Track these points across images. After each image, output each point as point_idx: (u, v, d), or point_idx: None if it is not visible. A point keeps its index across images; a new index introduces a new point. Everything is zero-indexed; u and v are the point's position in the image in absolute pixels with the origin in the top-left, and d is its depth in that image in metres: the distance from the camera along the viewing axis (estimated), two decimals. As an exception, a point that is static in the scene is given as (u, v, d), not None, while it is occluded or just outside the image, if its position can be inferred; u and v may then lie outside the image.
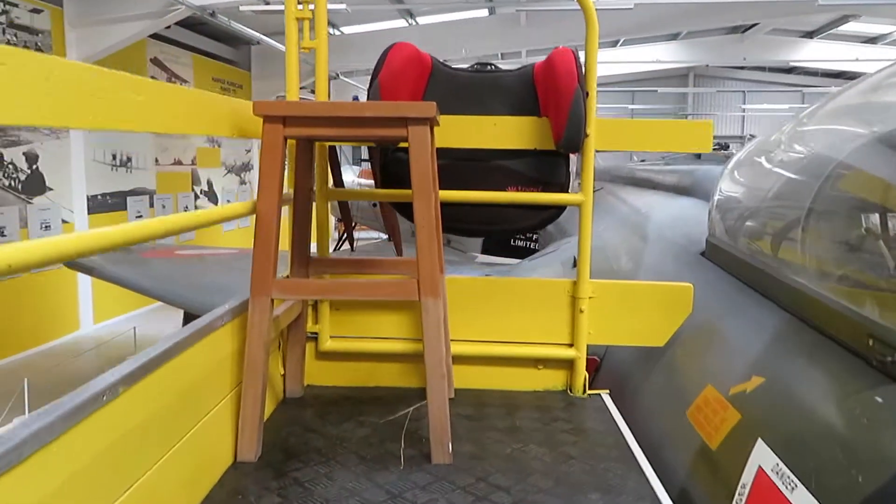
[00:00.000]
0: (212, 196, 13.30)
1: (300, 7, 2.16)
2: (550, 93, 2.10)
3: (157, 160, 11.32)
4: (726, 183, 2.61)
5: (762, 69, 26.61)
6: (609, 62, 19.67)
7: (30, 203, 8.34)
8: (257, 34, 12.04)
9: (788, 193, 2.00)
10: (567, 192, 2.24)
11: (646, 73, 24.68)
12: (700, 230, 3.06)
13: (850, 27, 19.56)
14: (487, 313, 2.27)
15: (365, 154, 14.10)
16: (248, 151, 15.01)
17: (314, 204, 2.21)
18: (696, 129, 2.18)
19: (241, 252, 6.04)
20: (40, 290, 8.41)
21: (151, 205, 11.10)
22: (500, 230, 2.27)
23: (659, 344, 2.21)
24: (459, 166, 2.21)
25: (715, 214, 2.60)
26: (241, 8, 9.80)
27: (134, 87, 1.29)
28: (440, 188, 2.06)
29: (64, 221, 8.92)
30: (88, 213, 9.43)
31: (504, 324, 2.27)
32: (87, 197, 9.44)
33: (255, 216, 1.74)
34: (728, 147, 20.75)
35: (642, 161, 19.51)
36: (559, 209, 2.25)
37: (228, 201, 14.01)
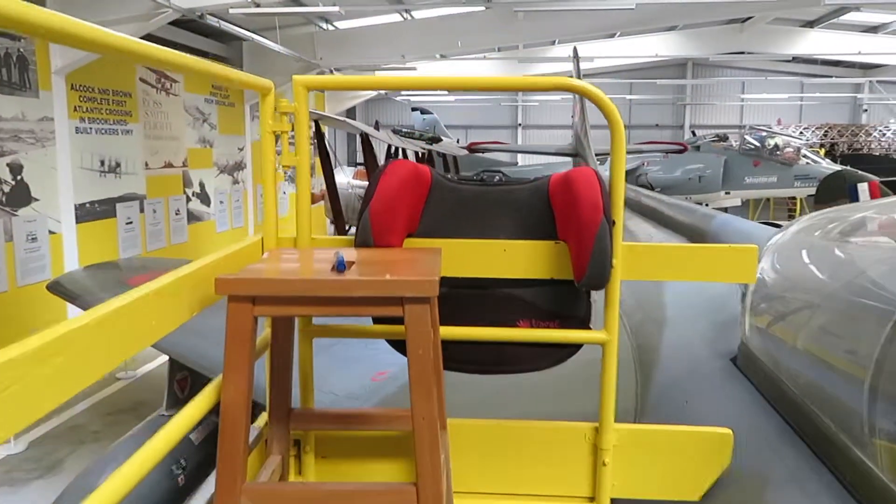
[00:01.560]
0: (204, 198, 13.06)
1: (278, 118, 1.89)
2: (571, 220, 1.84)
3: (146, 164, 11.07)
4: (767, 272, 2.20)
5: (760, 54, 26.33)
6: (606, 56, 19.36)
7: (15, 215, 8.12)
8: (248, 33, 11.76)
9: (870, 310, 1.58)
10: (588, 326, 1.95)
11: (644, 63, 24.38)
12: (726, 313, 2.66)
13: (852, 17, 19.31)
14: (495, 461, 2.00)
15: (360, 157, 13.93)
16: (241, 150, 14.76)
17: (296, 345, 1.93)
18: (738, 256, 1.88)
19: (232, 274, 5.82)
20: (27, 306, 8.21)
21: (142, 210, 10.87)
22: (508, 371, 1.99)
23: (693, 499, 1.94)
24: (461, 295, 1.94)
25: (751, 314, 2.21)
26: (231, 11, 9.52)
27: (43, 355, 1.03)
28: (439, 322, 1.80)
29: (51, 232, 8.71)
30: (76, 223, 9.21)
31: (514, 474, 2.00)
32: (75, 206, 9.21)
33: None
34: (727, 139, 20.51)
35: (638, 152, 19.06)
36: (577, 348, 1.97)
37: (221, 202, 13.78)
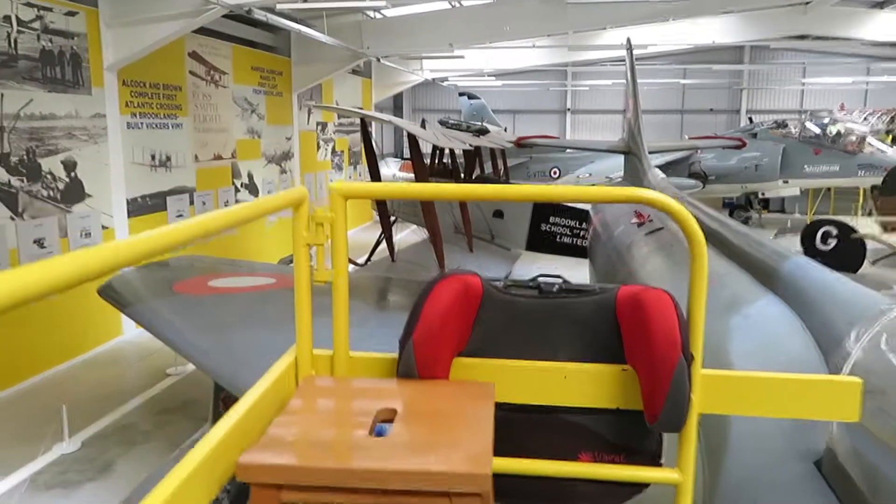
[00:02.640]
0: (252, 188, 13.17)
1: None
2: (642, 349, 1.64)
3: (196, 156, 11.19)
4: (865, 358, 1.84)
5: (824, 38, 25.10)
6: (659, 44, 18.69)
7: (69, 212, 8.29)
8: (295, 25, 11.71)
9: None
10: (659, 462, 1.74)
11: (699, 46, 23.52)
12: None
13: (925, -4, 18.19)
14: None
15: (407, 153, 13.84)
16: (289, 139, 14.81)
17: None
18: (839, 390, 1.64)
19: (280, 280, 5.81)
20: (84, 298, 8.39)
21: (192, 202, 11.01)
22: None
23: None
24: (516, 420, 1.74)
25: None
26: (278, 7, 9.46)
27: None
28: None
29: (104, 227, 8.88)
30: (128, 217, 9.37)
31: None
32: (127, 200, 9.36)
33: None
34: (787, 125, 19.69)
35: (693, 148, 18.24)
36: (645, 485, 1.75)
37: (269, 192, 13.87)
